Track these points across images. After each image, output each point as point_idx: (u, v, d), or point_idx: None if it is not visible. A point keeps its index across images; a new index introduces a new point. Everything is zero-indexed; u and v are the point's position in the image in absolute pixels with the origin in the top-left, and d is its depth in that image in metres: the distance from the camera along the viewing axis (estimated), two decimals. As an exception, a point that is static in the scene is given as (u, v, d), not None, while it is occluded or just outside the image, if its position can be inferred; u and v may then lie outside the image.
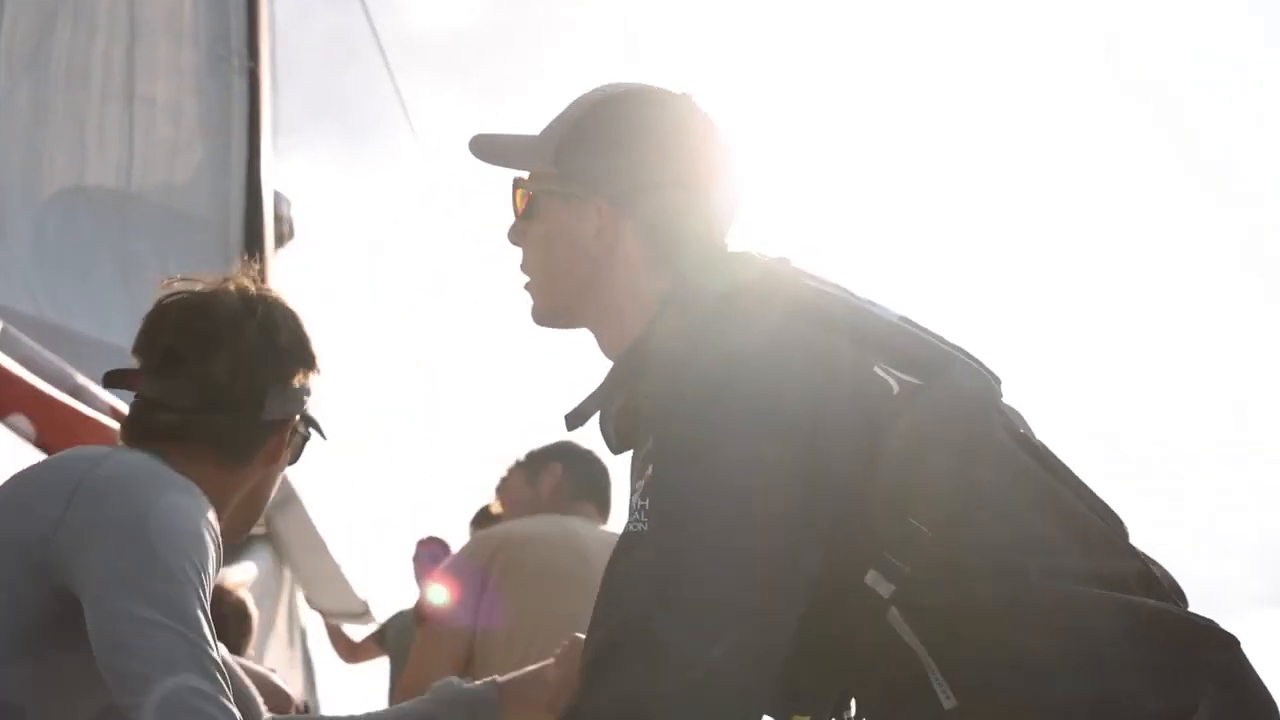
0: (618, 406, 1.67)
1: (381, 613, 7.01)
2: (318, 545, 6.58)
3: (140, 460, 1.84)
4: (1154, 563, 1.61)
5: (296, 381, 2.00)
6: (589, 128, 1.73)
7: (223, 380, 1.93)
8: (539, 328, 1.80)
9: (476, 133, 1.79)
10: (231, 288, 1.98)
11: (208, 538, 1.78)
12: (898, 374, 1.55)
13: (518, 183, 1.79)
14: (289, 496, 6.27)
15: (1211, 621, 1.53)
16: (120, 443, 1.96)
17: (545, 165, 1.75)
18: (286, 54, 7.89)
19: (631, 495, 1.53)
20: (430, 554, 6.78)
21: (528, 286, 1.80)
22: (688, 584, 1.42)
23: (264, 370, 1.96)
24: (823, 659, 1.51)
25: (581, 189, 1.72)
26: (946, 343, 1.64)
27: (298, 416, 2.02)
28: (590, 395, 1.71)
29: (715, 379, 1.50)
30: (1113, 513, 1.63)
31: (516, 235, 1.80)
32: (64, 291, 5.75)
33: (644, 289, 1.69)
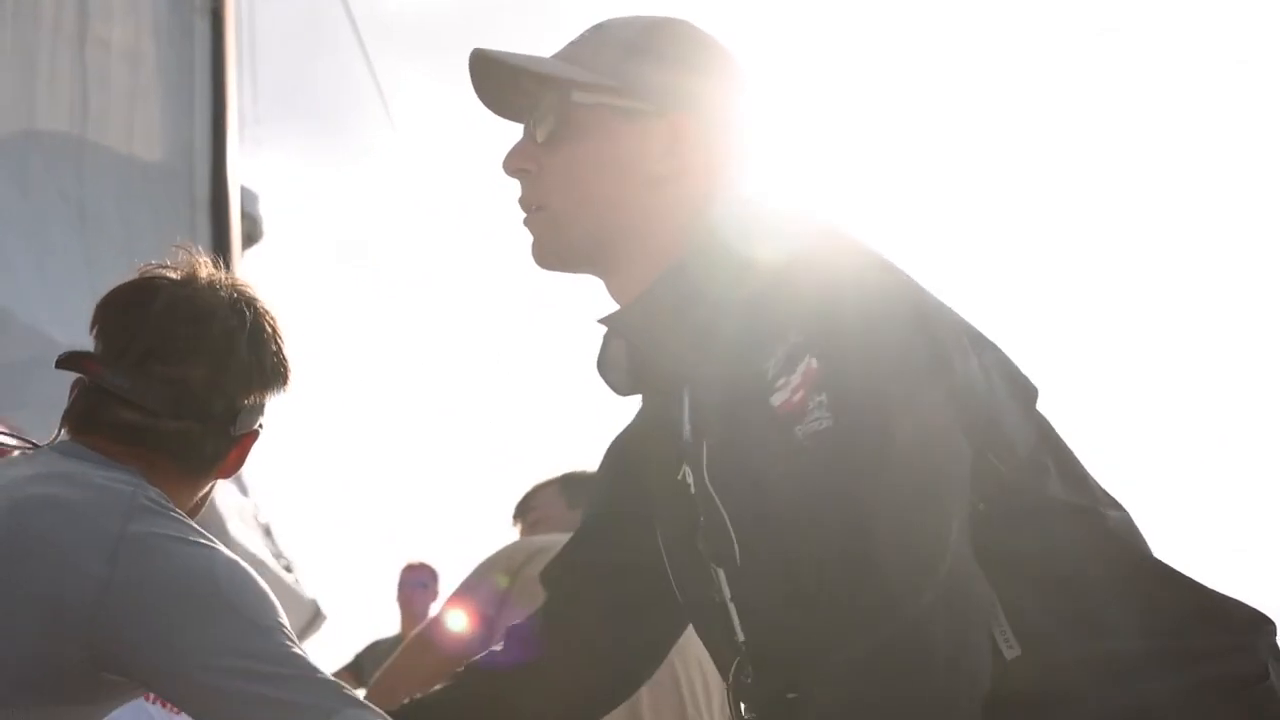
0: (626, 352, 1.63)
1: (333, 613, 6.63)
2: (255, 564, 6.14)
3: (158, 509, 1.72)
4: None
5: (269, 398, 1.92)
6: (658, 43, 1.63)
7: (199, 389, 1.83)
8: (545, 270, 1.66)
9: (477, 48, 1.63)
10: (218, 285, 1.87)
11: (264, 585, 1.72)
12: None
13: (555, 93, 1.62)
14: (218, 528, 5.87)
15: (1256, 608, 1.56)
16: (63, 430, 1.84)
17: (597, 77, 1.61)
18: (248, 40, 7.39)
19: (771, 388, 1.44)
20: (418, 580, 6.37)
21: (535, 221, 1.64)
22: (903, 485, 1.37)
23: (245, 386, 1.87)
24: None
25: (652, 104, 1.61)
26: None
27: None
28: (627, 310, 1.61)
29: (860, 278, 1.46)
30: None
31: (532, 158, 1.63)
32: (10, 246, 5.33)
33: (690, 221, 1.59)
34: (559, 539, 3.28)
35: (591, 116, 1.61)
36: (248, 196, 7.06)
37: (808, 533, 1.40)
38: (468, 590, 3.35)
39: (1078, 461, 1.58)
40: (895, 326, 1.42)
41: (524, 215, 1.64)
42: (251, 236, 7.31)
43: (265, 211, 7.59)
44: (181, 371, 1.81)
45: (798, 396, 1.41)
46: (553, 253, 1.64)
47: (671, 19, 1.66)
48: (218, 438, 1.85)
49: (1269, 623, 1.54)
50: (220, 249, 6.16)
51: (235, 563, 1.70)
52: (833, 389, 1.40)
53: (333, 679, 1.65)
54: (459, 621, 3.31)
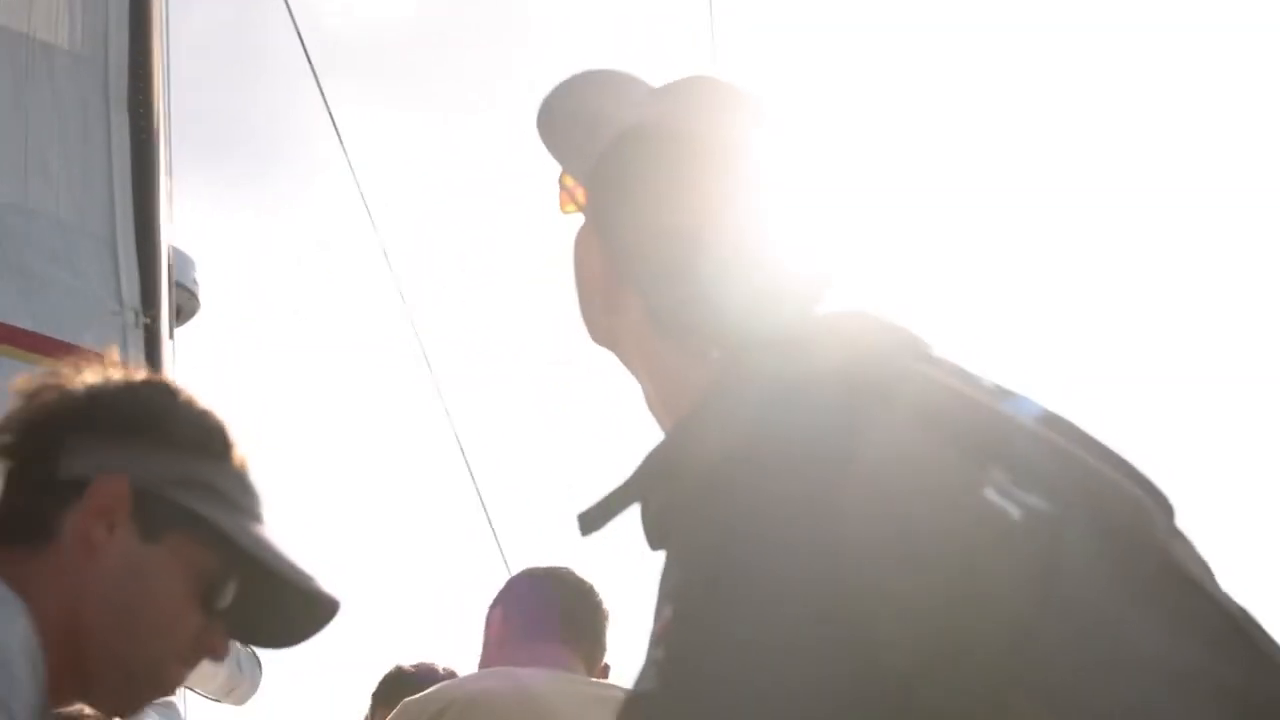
0: (656, 504, 1.41)
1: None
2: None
3: None
4: None
5: (122, 440, 1.55)
6: (616, 155, 1.49)
7: (9, 442, 1.55)
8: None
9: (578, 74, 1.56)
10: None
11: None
12: (1020, 495, 1.20)
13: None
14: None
15: None
16: None
17: (585, 177, 1.51)
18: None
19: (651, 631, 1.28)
20: None
21: None
22: None
23: (63, 421, 1.55)
24: None
25: (598, 227, 1.50)
26: (1101, 451, 1.29)
27: (151, 484, 1.53)
28: (611, 494, 1.41)
29: (763, 516, 1.20)
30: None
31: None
32: None
33: (675, 370, 1.45)
34: (491, 686, 2.74)
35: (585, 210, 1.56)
36: (182, 262, 5.97)
37: None
38: None
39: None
40: (767, 633, 1.16)
41: None
42: (187, 310, 6.36)
43: (202, 278, 6.75)
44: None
45: (652, 644, 1.23)
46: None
47: (645, 129, 1.47)
48: (36, 485, 1.52)
49: None
50: (151, 329, 5.02)
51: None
52: (668, 652, 1.20)
53: None
54: None
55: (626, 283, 1.47)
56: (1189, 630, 1.24)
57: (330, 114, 6.29)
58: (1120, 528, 1.25)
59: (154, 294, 4.87)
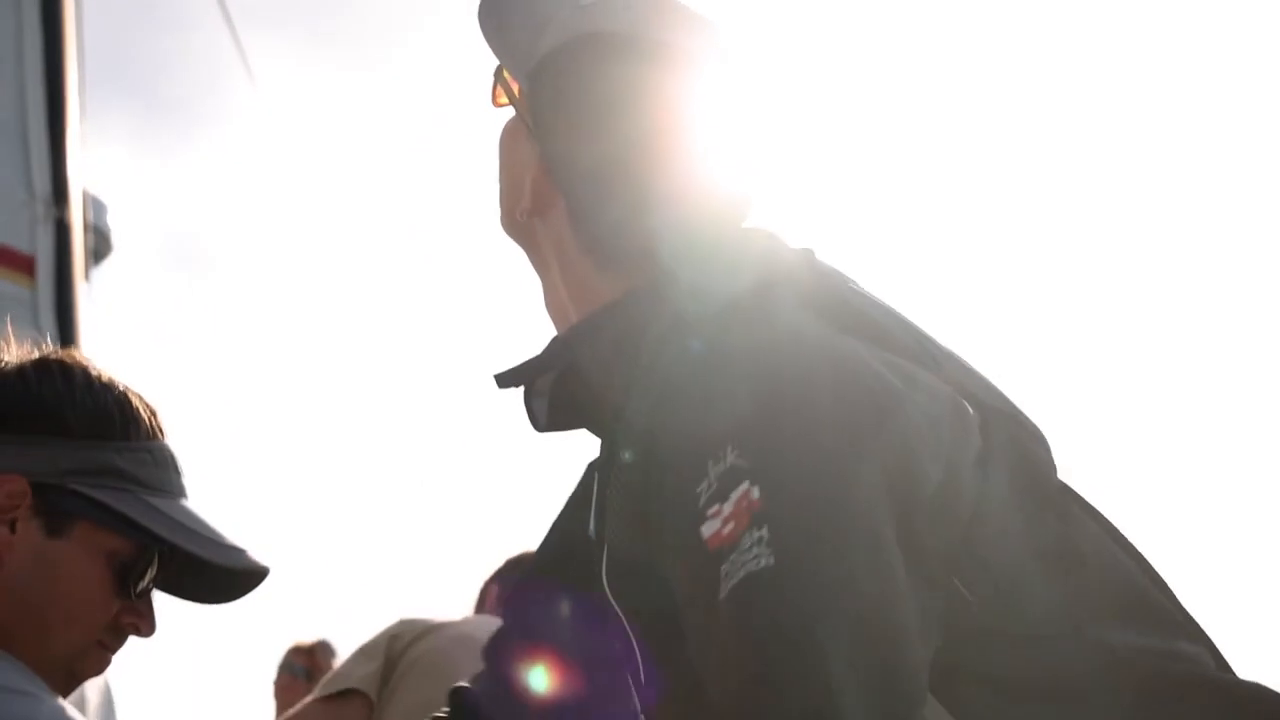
0: (550, 381, 1.54)
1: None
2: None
3: None
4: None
5: (16, 436, 1.55)
6: (557, 66, 1.52)
7: None
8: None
9: None
10: None
11: None
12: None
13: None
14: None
15: None
16: None
17: (524, 77, 1.55)
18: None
19: (701, 516, 1.29)
20: (304, 668, 4.98)
21: None
22: (840, 621, 1.22)
23: None
24: None
25: (535, 132, 1.54)
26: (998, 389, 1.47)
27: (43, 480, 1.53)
28: (529, 362, 1.53)
29: (811, 379, 1.31)
30: (1170, 588, 1.47)
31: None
32: None
33: (593, 282, 1.51)
34: (486, 625, 2.82)
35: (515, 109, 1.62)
36: (95, 207, 5.86)
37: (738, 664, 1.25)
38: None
39: (1133, 572, 1.43)
40: (845, 450, 1.28)
41: None
42: (100, 252, 6.27)
43: (114, 220, 6.75)
44: None
45: (729, 529, 1.27)
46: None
47: (588, 39, 1.52)
48: None
49: None
50: (63, 269, 4.87)
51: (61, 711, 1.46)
52: (776, 524, 1.25)
53: None
54: None
55: (558, 193, 1.51)
56: (1100, 538, 1.43)
57: (243, 56, 6.19)
58: (1028, 447, 1.42)
59: (64, 186, 4.75)
